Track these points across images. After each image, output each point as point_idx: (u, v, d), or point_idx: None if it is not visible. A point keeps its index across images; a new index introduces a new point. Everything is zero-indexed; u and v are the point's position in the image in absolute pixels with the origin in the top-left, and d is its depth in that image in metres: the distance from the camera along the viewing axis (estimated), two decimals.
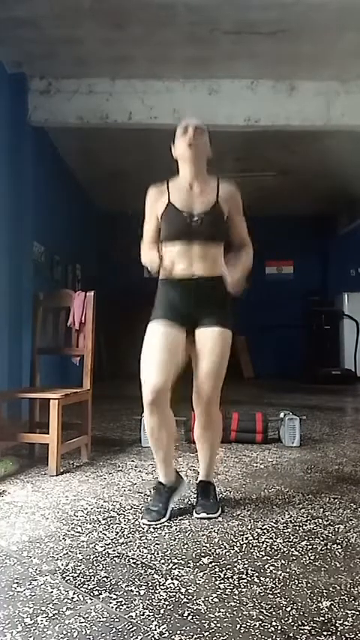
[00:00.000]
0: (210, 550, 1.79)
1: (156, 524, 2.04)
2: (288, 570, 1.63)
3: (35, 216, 5.04)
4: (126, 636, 1.27)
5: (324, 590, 1.50)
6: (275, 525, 2.03)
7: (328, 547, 1.82)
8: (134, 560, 1.71)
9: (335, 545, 1.83)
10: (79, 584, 1.54)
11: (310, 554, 1.76)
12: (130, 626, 1.31)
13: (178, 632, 1.29)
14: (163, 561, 1.70)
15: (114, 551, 1.78)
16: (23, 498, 2.38)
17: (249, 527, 2.01)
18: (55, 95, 4.93)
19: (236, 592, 1.49)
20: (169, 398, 2.13)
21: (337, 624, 1.32)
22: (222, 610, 1.39)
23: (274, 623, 1.33)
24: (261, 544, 1.84)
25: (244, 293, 2.21)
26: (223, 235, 2.25)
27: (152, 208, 2.28)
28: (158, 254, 2.17)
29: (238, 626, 1.32)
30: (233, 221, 2.28)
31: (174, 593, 1.48)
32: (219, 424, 2.31)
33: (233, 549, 1.80)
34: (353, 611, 1.39)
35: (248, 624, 1.32)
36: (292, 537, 1.91)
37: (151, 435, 2.18)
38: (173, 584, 1.54)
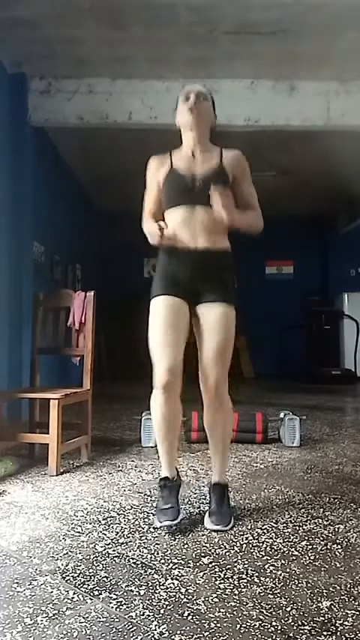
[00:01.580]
0: (210, 550, 1.79)
1: (174, 524, 1.95)
2: (288, 570, 1.63)
3: (35, 216, 5.04)
4: (126, 636, 1.27)
5: (324, 590, 1.50)
6: (275, 525, 2.03)
7: (328, 547, 1.82)
8: (134, 560, 1.71)
9: (335, 545, 1.83)
10: (79, 584, 1.54)
11: (310, 554, 1.76)
12: (130, 626, 1.31)
13: (178, 632, 1.29)
14: (163, 561, 1.70)
15: (114, 551, 1.78)
16: (23, 498, 2.38)
17: (249, 527, 2.01)
18: (55, 95, 4.93)
19: (236, 592, 1.49)
20: (181, 382, 2.06)
21: (337, 624, 1.32)
22: (222, 610, 1.39)
23: (274, 623, 1.33)
24: (261, 544, 1.84)
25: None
26: None
27: (154, 177, 2.21)
28: (158, 224, 2.05)
29: (238, 626, 1.32)
30: (240, 187, 2.18)
31: (174, 593, 1.48)
32: (230, 411, 2.14)
33: (233, 549, 1.80)
34: (353, 611, 1.39)
35: (248, 624, 1.32)
36: (292, 537, 1.91)
37: (162, 422, 2.07)
38: (173, 584, 1.54)
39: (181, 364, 2.06)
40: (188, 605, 1.42)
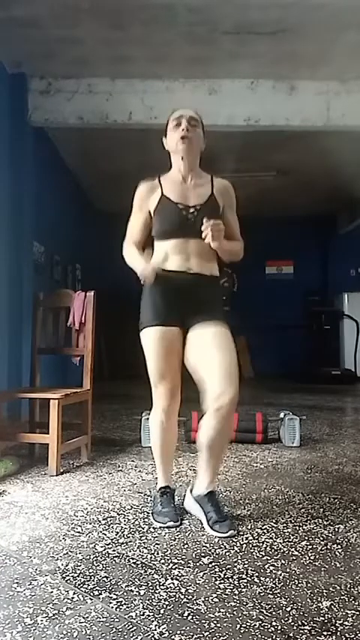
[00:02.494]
0: (210, 550, 1.79)
1: (178, 525, 1.99)
2: (288, 570, 1.63)
3: (35, 216, 5.04)
4: (126, 636, 1.27)
5: (324, 590, 1.50)
6: (275, 525, 2.03)
7: (328, 547, 1.82)
8: (134, 560, 1.71)
9: (335, 545, 1.83)
10: (79, 584, 1.54)
11: (310, 554, 1.76)
12: (130, 626, 1.31)
13: (178, 632, 1.29)
14: (163, 561, 1.70)
15: (114, 551, 1.78)
16: (23, 498, 2.38)
17: (249, 527, 2.01)
18: (55, 95, 4.93)
19: (236, 592, 1.49)
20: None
21: (337, 624, 1.32)
22: (222, 610, 1.39)
23: (274, 623, 1.33)
24: (261, 544, 1.84)
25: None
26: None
27: (142, 204, 2.16)
28: (148, 259, 2.05)
29: (238, 626, 1.32)
30: (227, 217, 2.17)
31: (174, 593, 1.48)
32: (232, 428, 2.16)
33: (233, 549, 1.80)
34: (353, 611, 1.39)
35: (248, 624, 1.32)
36: (292, 537, 1.91)
37: (161, 440, 2.14)
38: (173, 584, 1.54)
39: (178, 387, 2.11)
40: (188, 605, 1.42)
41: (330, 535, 1.93)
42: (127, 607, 1.41)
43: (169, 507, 2.09)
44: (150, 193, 2.15)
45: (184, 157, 2.14)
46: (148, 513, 2.15)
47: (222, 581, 1.56)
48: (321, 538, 1.90)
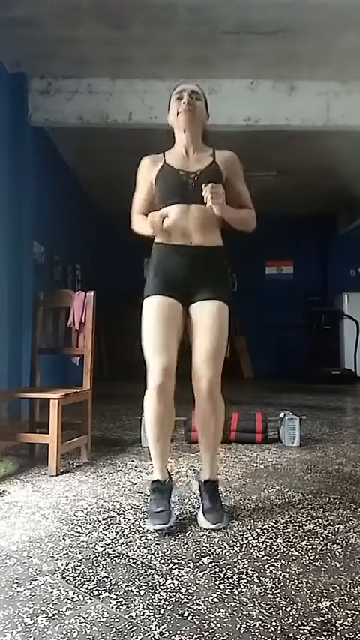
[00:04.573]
0: (210, 550, 1.79)
1: (166, 528, 1.92)
2: (288, 570, 1.63)
3: (35, 216, 5.04)
4: (126, 636, 1.27)
5: (324, 590, 1.50)
6: (275, 525, 2.03)
7: (328, 547, 1.82)
8: (134, 560, 1.71)
9: (335, 545, 1.83)
10: (79, 584, 1.54)
11: (310, 554, 1.76)
12: (130, 626, 1.31)
13: (178, 632, 1.29)
14: (163, 561, 1.70)
15: (114, 551, 1.78)
16: (23, 498, 2.38)
17: (249, 527, 2.01)
18: (55, 95, 4.93)
19: (236, 592, 1.49)
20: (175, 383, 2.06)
21: (337, 624, 1.32)
22: (222, 610, 1.39)
23: (274, 623, 1.33)
24: (261, 544, 1.84)
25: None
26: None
27: (146, 175, 2.20)
28: (159, 213, 2.07)
29: (238, 626, 1.32)
30: (234, 187, 2.19)
31: (174, 593, 1.48)
32: (223, 410, 2.12)
33: (233, 549, 1.80)
34: (353, 611, 1.39)
35: (248, 624, 1.32)
36: (292, 537, 1.91)
37: (155, 423, 2.06)
38: (173, 584, 1.54)
39: (174, 365, 2.06)
40: (188, 605, 1.42)
41: (330, 535, 1.93)
42: (127, 607, 1.41)
43: (161, 507, 2.01)
44: (153, 165, 2.19)
45: (185, 129, 2.16)
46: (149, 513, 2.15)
47: (222, 581, 1.56)
48: (321, 538, 1.90)
